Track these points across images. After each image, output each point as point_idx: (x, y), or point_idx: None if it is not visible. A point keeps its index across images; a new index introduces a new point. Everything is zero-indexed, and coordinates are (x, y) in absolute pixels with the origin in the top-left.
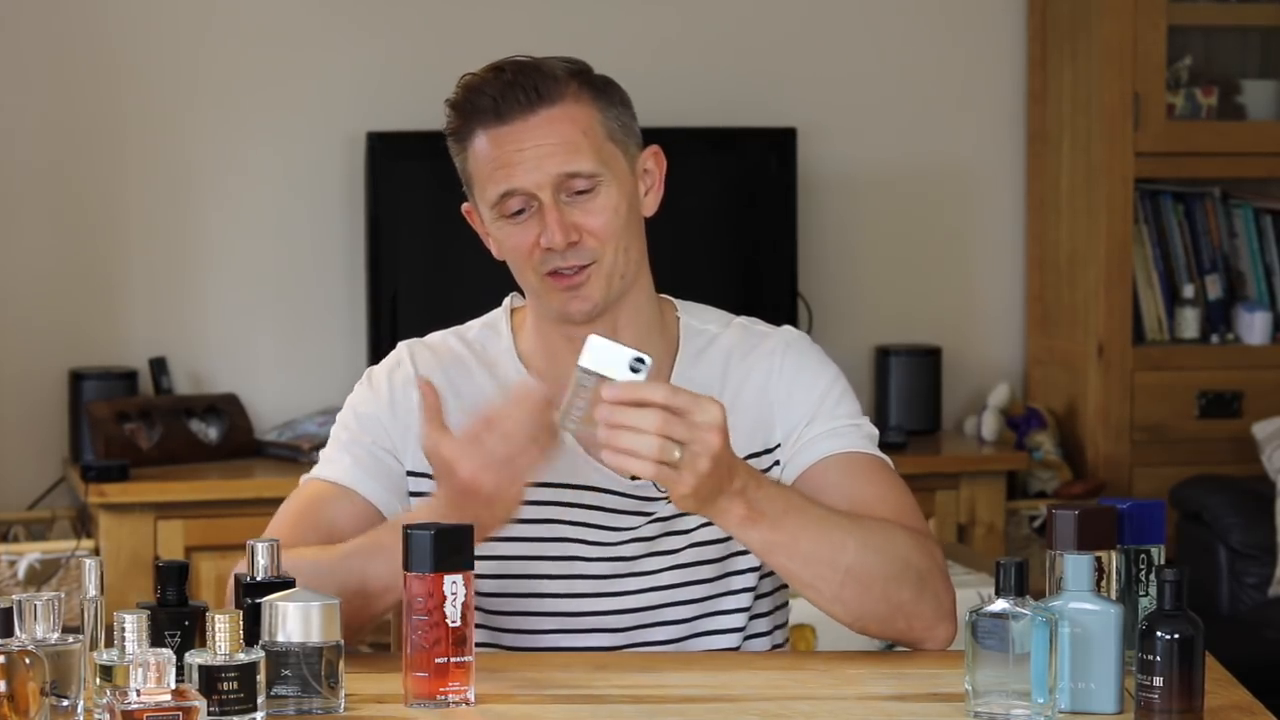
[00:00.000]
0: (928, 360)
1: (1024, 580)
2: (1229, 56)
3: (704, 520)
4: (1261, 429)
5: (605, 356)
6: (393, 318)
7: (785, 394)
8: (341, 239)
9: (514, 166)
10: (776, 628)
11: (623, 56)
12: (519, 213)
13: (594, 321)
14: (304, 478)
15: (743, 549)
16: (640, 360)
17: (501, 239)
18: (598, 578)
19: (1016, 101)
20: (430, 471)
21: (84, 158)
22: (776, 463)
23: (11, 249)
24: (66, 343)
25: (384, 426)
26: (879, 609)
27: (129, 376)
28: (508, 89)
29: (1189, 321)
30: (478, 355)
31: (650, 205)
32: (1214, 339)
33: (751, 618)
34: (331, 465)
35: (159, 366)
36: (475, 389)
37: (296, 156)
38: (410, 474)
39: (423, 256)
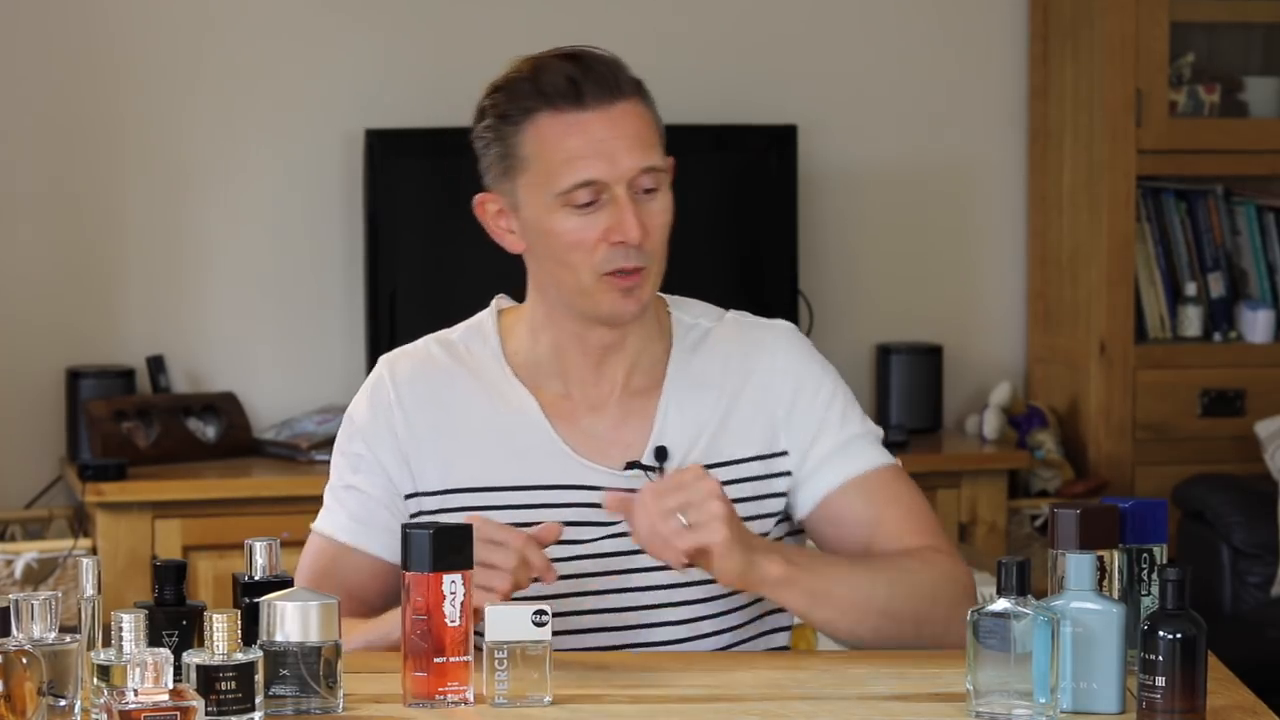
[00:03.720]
0: (929, 358)
1: (1026, 580)
2: (1232, 53)
3: None
4: (1264, 427)
5: (507, 623)
6: (391, 316)
7: (789, 401)
8: (340, 237)
9: (594, 156)
10: (779, 629)
11: (623, 53)
12: (588, 204)
13: (615, 326)
14: (312, 526)
15: None
16: (540, 613)
17: (558, 230)
18: (594, 575)
19: (1018, 98)
20: (432, 489)
21: (81, 156)
22: (788, 473)
23: (8, 247)
24: (64, 341)
25: (372, 461)
26: (910, 639)
27: (126, 375)
28: (588, 74)
29: (1191, 319)
30: (460, 359)
31: None
32: (1216, 337)
33: (753, 618)
34: (331, 517)
35: (156, 365)
36: (457, 396)
37: (295, 154)
38: (409, 496)
39: (421, 254)
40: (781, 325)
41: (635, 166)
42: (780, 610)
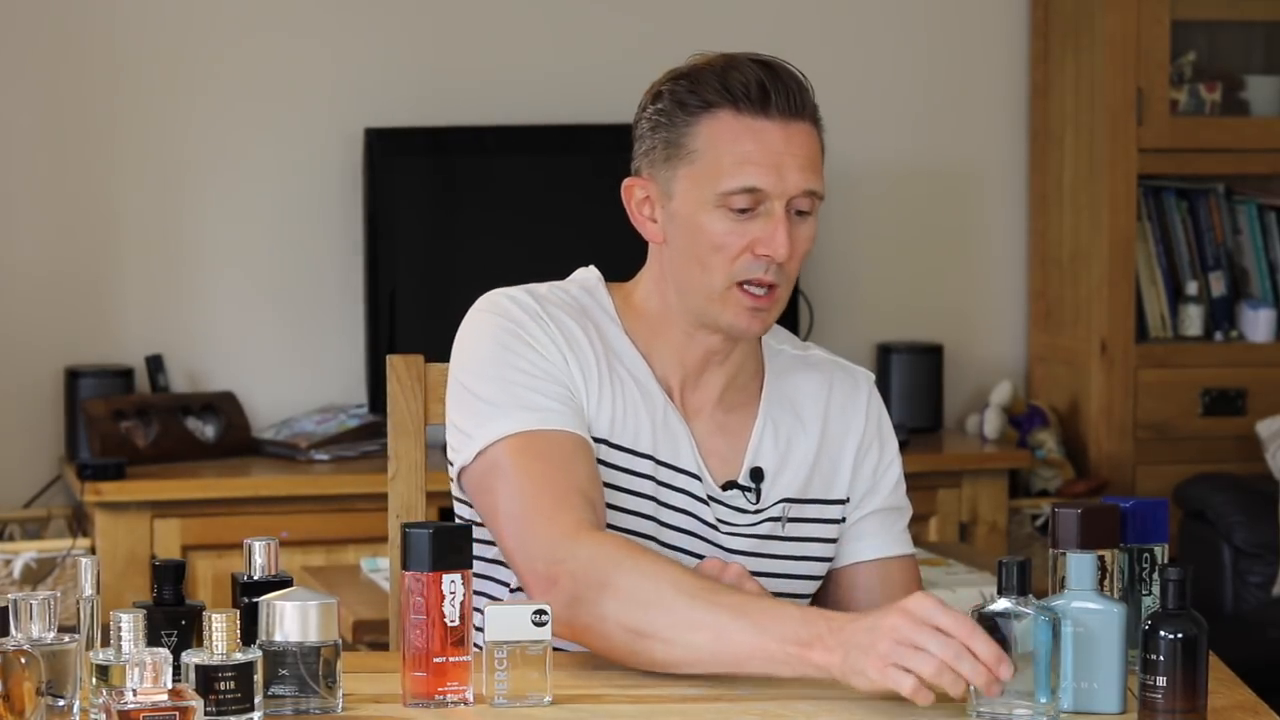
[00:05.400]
0: (929, 358)
1: (1026, 579)
2: (1233, 52)
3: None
4: (1265, 427)
5: (508, 621)
6: (390, 315)
7: (862, 450)
8: (339, 236)
9: (767, 166)
10: None
11: (622, 54)
12: (744, 210)
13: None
14: (485, 434)
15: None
16: (540, 612)
17: (708, 229)
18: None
19: (1019, 97)
20: (595, 432)
21: (80, 154)
22: (843, 519)
23: (7, 246)
24: (62, 340)
25: (549, 356)
26: None
27: (125, 374)
28: (779, 85)
29: (1192, 319)
30: (584, 308)
31: None
32: (1218, 336)
33: None
34: (528, 411)
35: (155, 364)
36: (589, 339)
37: (294, 153)
38: None
39: (421, 254)
40: (867, 373)
41: (800, 186)
42: None
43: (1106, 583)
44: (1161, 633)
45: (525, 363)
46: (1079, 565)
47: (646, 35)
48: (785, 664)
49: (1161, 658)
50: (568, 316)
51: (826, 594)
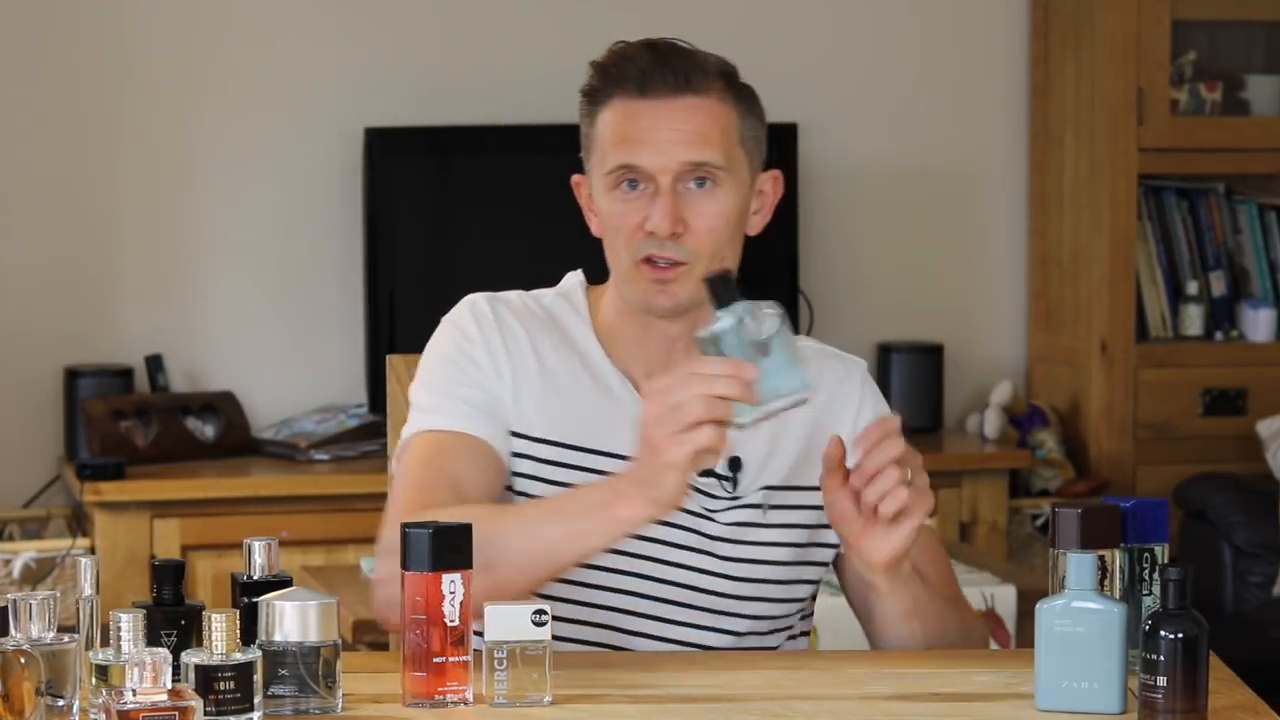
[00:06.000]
0: (930, 357)
1: (729, 291)
2: (1233, 51)
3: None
4: (1266, 427)
5: (506, 621)
6: (390, 315)
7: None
8: (339, 236)
9: (642, 144)
10: (801, 634)
11: None
12: (632, 185)
13: (674, 319)
14: (407, 433)
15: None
16: (540, 613)
17: (606, 212)
18: (639, 557)
19: (1019, 97)
20: (533, 434)
21: (80, 154)
22: None
23: (7, 245)
24: (62, 340)
25: (482, 368)
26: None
27: (125, 374)
28: (657, 67)
29: (1193, 318)
30: (554, 319)
31: (756, 225)
32: (1218, 336)
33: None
34: (440, 414)
35: (155, 364)
36: (551, 350)
37: (294, 152)
38: (511, 433)
39: (421, 253)
40: (859, 361)
41: (680, 159)
42: (803, 615)
43: (1106, 583)
44: (1162, 633)
45: (457, 371)
46: (1079, 565)
47: (647, 34)
48: (597, 533)
49: (1162, 658)
50: (519, 323)
51: (851, 576)
